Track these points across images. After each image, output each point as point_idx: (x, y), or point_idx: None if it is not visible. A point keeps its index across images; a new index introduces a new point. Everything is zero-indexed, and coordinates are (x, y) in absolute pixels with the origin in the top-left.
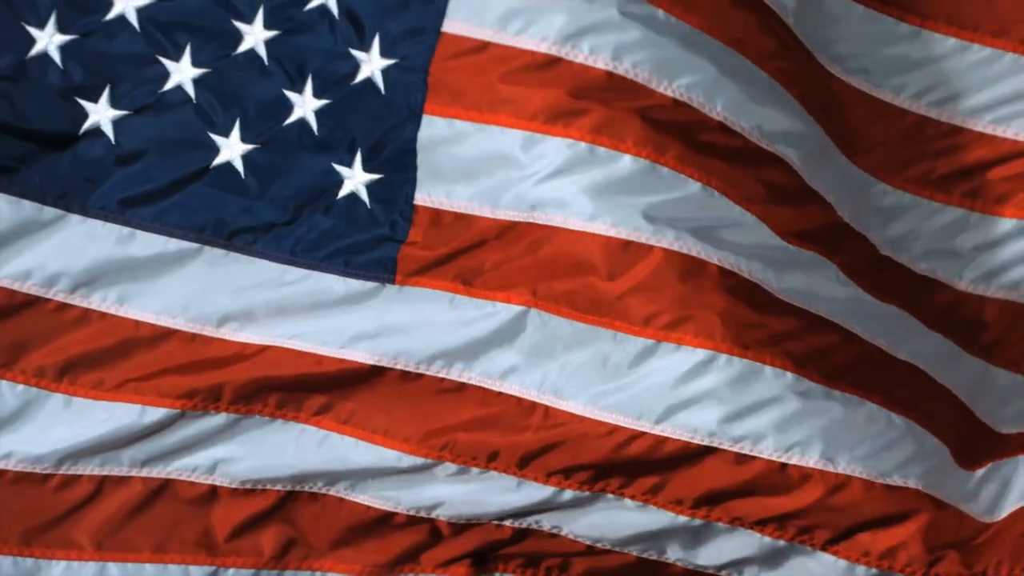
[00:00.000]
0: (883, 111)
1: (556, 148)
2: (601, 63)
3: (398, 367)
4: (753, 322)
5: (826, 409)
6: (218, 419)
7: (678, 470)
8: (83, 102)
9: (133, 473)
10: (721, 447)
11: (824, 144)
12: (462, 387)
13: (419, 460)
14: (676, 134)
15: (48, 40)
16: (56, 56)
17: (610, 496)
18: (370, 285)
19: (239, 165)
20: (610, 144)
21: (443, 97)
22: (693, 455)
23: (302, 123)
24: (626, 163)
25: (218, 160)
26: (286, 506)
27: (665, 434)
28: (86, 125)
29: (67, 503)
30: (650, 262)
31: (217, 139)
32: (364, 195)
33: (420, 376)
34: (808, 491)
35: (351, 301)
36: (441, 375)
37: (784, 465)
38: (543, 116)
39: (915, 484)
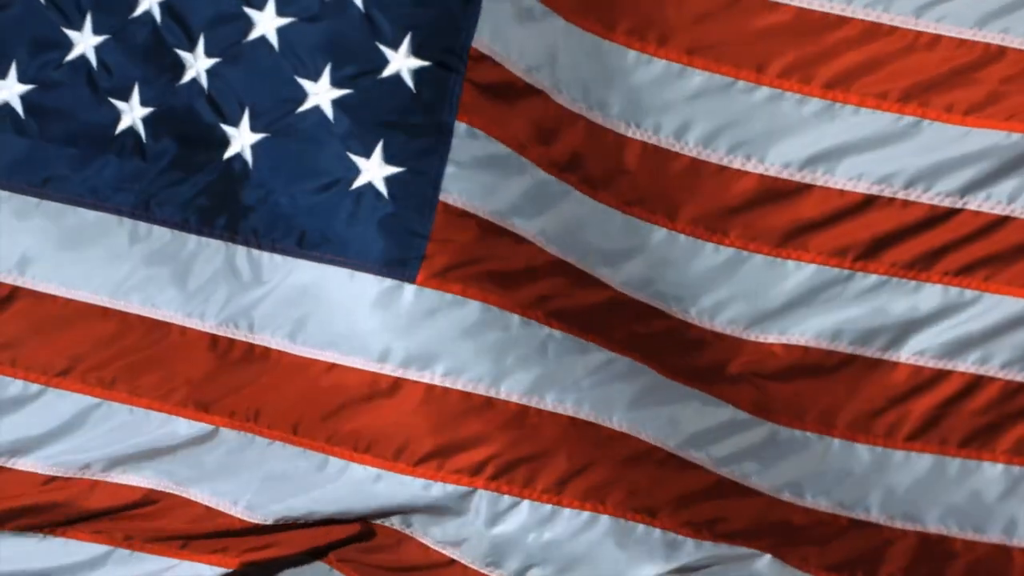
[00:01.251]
0: None
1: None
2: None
3: (423, 380)
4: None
5: None
6: (253, 440)
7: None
8: (116, 102)
9: (180, 492)
10: None
11: None
12: (489, 402)
13: (449, 487)
14: None
15: (86, 44)
16: (92, 58)
17: (640, 528)
18: (389, 283)
19: (248, 156)
20: None
21: (477, 109)
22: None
23: (317, 112)
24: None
25: (229, 152)
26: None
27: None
28: (121, 126)
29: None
30: None
31: (228, 130)
32: (383, 187)
33: (447, 391)
34: None
35: (373, 303)
36: (468, 389)
37: None
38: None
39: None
